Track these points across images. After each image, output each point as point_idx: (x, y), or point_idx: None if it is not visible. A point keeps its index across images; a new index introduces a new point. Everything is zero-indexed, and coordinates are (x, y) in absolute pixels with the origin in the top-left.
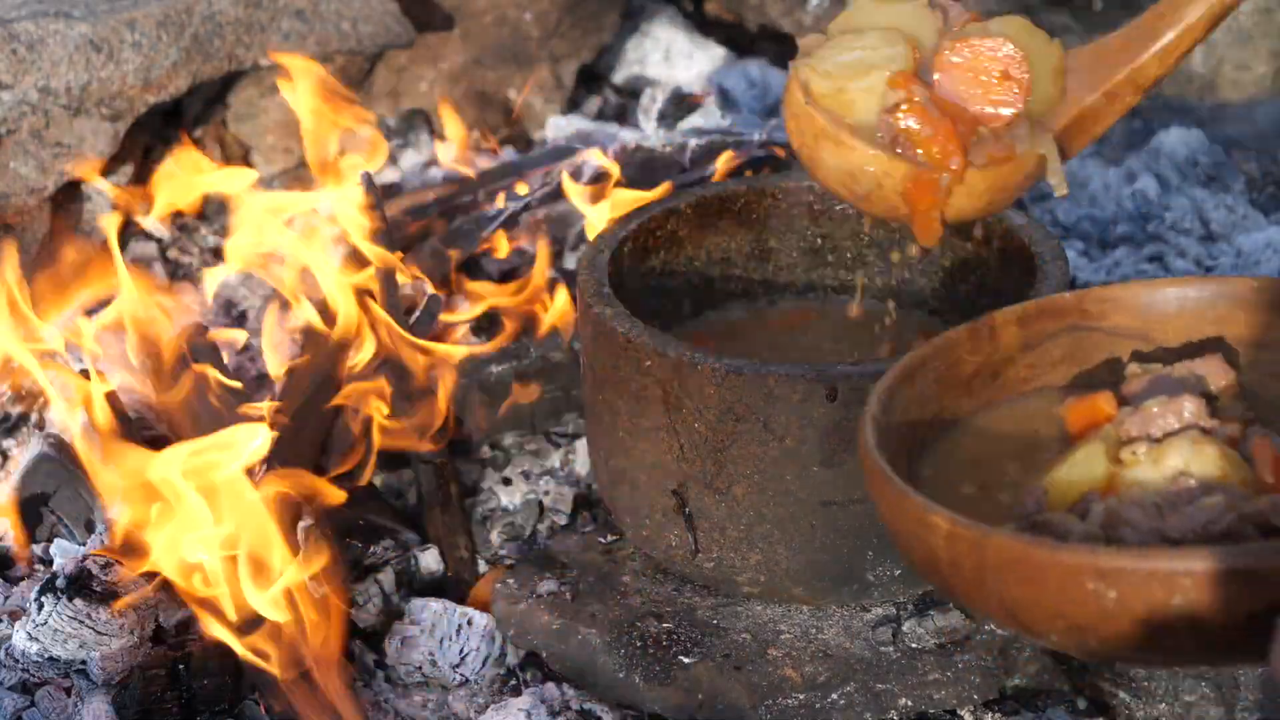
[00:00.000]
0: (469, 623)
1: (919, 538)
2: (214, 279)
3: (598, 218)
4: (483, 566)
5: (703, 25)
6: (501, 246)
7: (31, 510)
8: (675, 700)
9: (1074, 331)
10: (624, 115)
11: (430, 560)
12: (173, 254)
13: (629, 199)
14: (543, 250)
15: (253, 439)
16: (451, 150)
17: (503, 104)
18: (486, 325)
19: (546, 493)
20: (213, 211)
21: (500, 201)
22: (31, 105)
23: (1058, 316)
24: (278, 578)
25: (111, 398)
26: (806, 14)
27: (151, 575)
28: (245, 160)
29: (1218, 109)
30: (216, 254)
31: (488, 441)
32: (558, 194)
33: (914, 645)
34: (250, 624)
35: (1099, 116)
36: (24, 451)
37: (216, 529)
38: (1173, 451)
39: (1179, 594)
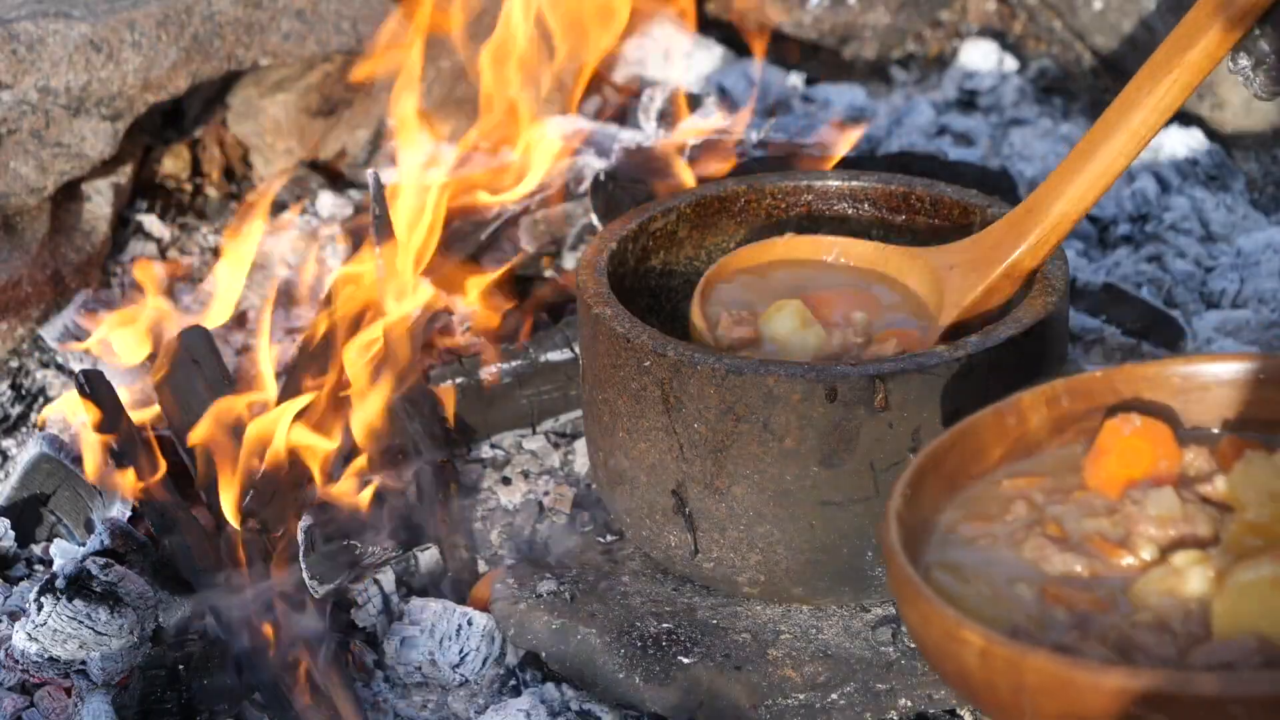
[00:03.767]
0: (469, 623)
1: (950, 652)
2: None
3: None
4: (483, 566)
5: (703, 25)
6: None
7: (31, 510)
8: (675, 700)
9: (1106, 412)
10: (624, 115)
11: (430, 560)
12: (172, 254)
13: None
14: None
15: None
16: (452, 151)
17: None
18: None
19: (546, 493)
20: (213, 211)
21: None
22: (31, 105)
23: (1088, 397)
24: None
25: (107, 389)
26: (806, 14)
27: None
28: (245, 160)
29: (1218, 109)
30: (217, 254)
31: (488, 441)
32: (558, 195)
33: (914, 645)
34: None
35: (980, 308)
36: (24, 451)
37: None
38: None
39: None
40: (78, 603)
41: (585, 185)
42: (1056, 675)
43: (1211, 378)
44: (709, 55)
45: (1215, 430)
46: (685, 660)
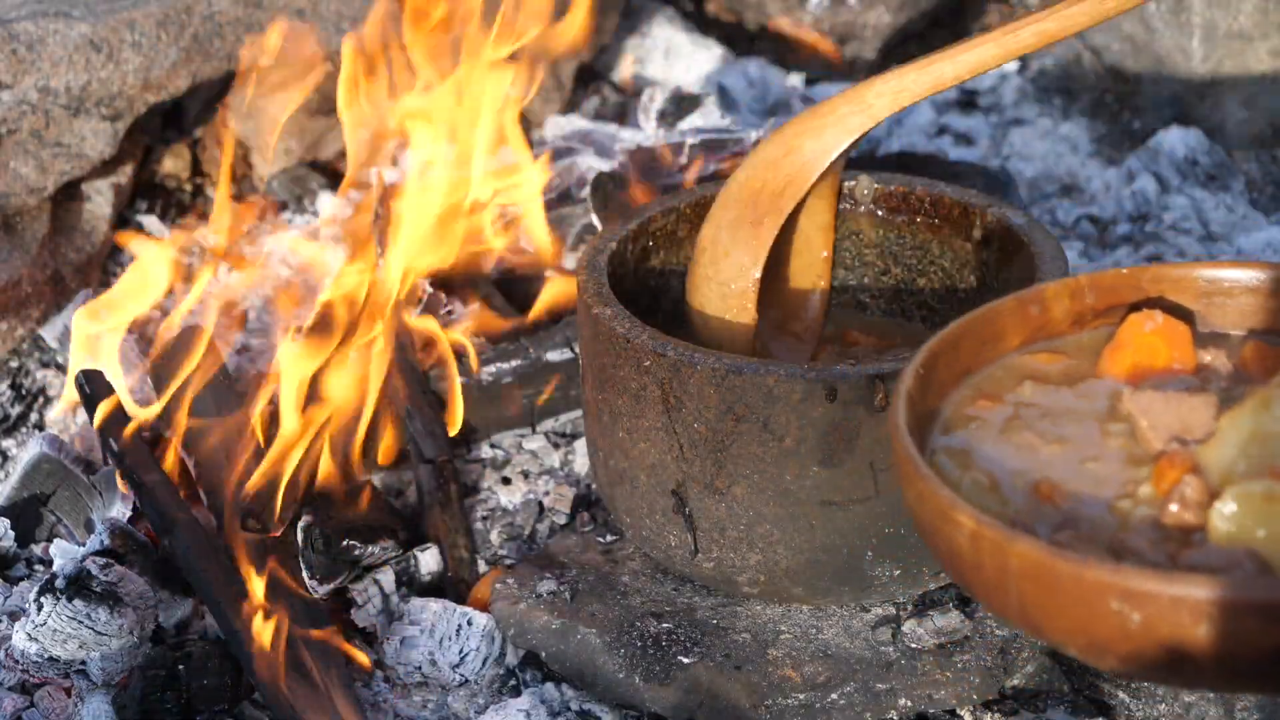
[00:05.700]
0: (469, 623)
1: (943, 532)
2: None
3: None
4: (483, 566)
5: (703, 25)
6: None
7: (31, 510)
8: (675, 700)
9: (1128, 309)
10: (623, 115)
11: (430, 560)
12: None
13: None
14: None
15: None
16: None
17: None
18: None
19: (546, 493)
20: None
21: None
22: (31, 105)
23: (1112, 292)
24: None
25: (107, 389)
26: (806, 14)
27: None
28: (245, 160)
29: (1217, 109)
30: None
31: (488, 441)
32: (563, 196)
33: (914, 645)
34: None
35: None
36: (24, 451)
37: None
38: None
39: (1206, 623)
40: (78, 603)
41: (586, 185)
42: (1040, 563)
43: (1236, 283)
44: (709, 55)
45: (1238, 334)
46: (685, 660)
